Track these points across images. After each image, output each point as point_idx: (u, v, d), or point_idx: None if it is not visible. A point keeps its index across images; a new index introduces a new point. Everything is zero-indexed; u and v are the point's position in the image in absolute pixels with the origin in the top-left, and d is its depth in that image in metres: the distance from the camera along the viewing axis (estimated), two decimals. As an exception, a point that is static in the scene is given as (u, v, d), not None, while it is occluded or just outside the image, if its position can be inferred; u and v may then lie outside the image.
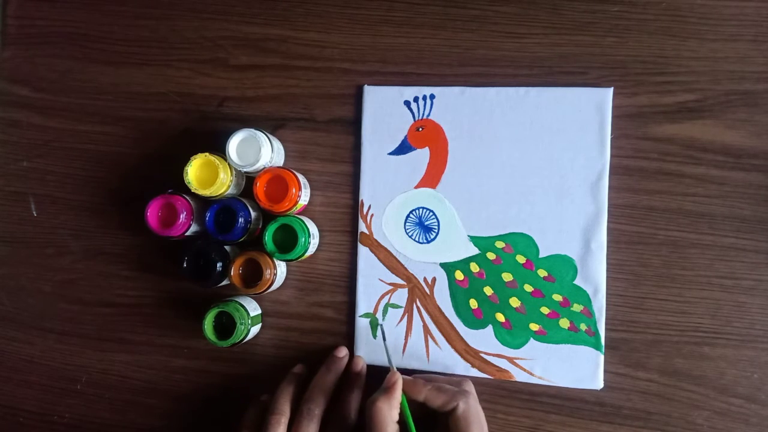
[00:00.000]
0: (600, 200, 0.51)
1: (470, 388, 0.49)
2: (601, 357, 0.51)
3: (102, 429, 0.58)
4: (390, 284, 0.54)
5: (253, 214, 0.52)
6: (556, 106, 0.52)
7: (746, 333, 0.50)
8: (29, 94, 0.59)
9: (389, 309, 0.53)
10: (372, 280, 0.54)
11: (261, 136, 0.50)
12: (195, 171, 0.50)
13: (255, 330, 0.54)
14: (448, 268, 0.53)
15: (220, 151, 0.51)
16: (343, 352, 0.53)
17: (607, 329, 0.51)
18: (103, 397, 0.58)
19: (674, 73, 0.51)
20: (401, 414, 0.46)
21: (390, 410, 0.44)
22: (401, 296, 0.53)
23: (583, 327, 0.51)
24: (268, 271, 0.51)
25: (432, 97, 0.53)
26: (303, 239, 0.50)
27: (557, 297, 0.51)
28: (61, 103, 0.59)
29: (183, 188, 0.51)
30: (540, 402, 0.52)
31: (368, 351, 0.53)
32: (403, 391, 0.46)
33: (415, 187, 0.54)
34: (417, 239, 0.53)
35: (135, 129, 0.58)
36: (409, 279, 0.53)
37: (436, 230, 0.53)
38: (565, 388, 0.51)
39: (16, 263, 0.59)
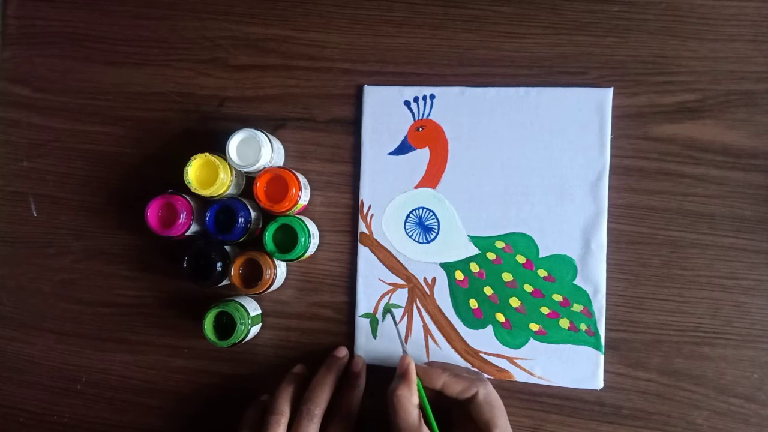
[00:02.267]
0: (600, 200, 0.51)
1: (484, 376, 0.50)
2: (601, 357, 0.51)
3: (102, 429, 0.58)
4: (390, 284, 0.54)
5: (253, 214, 0.52)
6: (556, 106, 0.52)
7: (746, 333, 0.50)
8: (29, 94, 0.59)
9: (389, 309, 0.53)
10: (372, 280, 0.54)
11: (261, 136, 0.50)
12: (195, 171, 0.50)
13: (255, 330, 0.54)
14: (448, 268, 0.53)
15: (220, 151, 0.51)
16: (342, 352, 0.53)
17: (607, 329, 0.51)
18: (103, 397, 0.58)
19: (674, 73, 0.51)
20: (419, 399, 0.46)
21: (410, 396, 0.45)
22: (401, 296, 0.53)
23: (583, 327, 0.51)
24: (268, 271, 0.51)
25: (432, 97, 0.53)
26: (303, 239, 0.50)
27: (557, 297, 0.51)
28: (61, 103, 0.59)
29: (183, 188, 0.51)
30: (540, 402, 0.52)
31: (368, 351, 0.53)
32: (419, 378, 0.46)
33: (415, 187, 0.54)
34: (417, 239, 0.53)
35: (135, 129, 0.58)
36: (409, 279, 0.53)
37: (436, 230, 0.53)
38: (565, 388, 0.51)
39: (16, 263, 0.59)
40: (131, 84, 0.58)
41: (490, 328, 0.52)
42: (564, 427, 0.52)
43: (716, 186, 0.51)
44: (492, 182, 0.52)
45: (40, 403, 0.58)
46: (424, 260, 0.53)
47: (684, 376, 0.50)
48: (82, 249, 0.58)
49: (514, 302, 0.52)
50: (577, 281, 0.51)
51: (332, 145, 0.55)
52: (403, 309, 0.53)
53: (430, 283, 0.53)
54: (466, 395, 0.46)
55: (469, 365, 0.52)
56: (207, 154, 0.50)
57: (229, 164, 0.51)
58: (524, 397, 0.52)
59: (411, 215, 0.54)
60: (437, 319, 0.53)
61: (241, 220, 0.50)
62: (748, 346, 0.50)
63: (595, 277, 0.51)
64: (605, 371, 0.51)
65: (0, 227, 0.60)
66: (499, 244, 0.52)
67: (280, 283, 0.55)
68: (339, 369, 0.51)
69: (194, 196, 0.52)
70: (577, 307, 0.51)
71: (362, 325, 0.54)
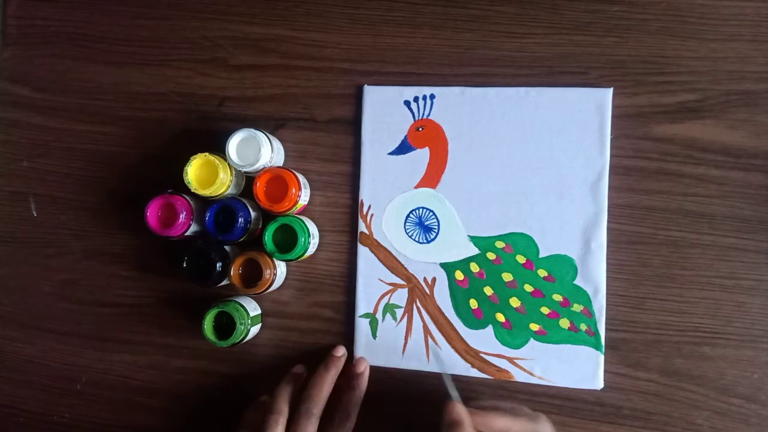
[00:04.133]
0: (600, 200, 0.51)
1: (540, 414, 0.45)
2: (601, 357, 0.51)
3: (102, 429, 0.58)
4: (390, 284, 0.54)
5: (252, 214, 0.52)
6: (556, 106, 0.52)
7: (746, 333, 0.50)
8: (29, 94, 0.59)
9: (389, 309, 0.53)
10: (372, 280, 0.54)
11: (261, 136, 0.50)
12: (195, 171, 0.50)
13: (255, 330, 0.54)
14: (448, 268, 0.53)
15: (220, 151, 0.51)
16: (341, 351, 0.53)
17: (607, 329, 0.51)
18: (103, 397, 0.58)
19: (674, 73, 0.51)
20: None
21: None
22: (401, 296, 0.53)
23: (583, 327, 0.51)
24: (268, 271, 0.51)
25: (432, 97, 0.53)
26: (303, 239, 0.50)
27: (557, 297, 0.51)
28: (61, 103, 0.59)
29: (183, 188, 0.51)
30: (540, 402, 0.52)
31: (368, 351, 0.53)
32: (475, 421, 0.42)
33: (415, 187, 0.54)
34: (417, 239, 0.53)
35: (135, 129, 0.58)
36: (409, 279, 0.53)
37: (436, 230, 0.53)
38: (565, 388, 0.51)
39: (16, 263, 0.59)
40: (131, 84, 0.58)
41: (490, 328, 0.52)
42: (564, 427, 0.51)
43: (716, 186, 0.50)
44: (492, 182, 0.52)
45: (40, 403, 0.58)
46: (424, 260, 0.53)
47: (684, 376, 0.50)
48: (82, 249, 0.58)
49: (514, 302, 0.52)
50: (577, 281, 0.51)
51: (332, 145, 0.55)
52: (403, 309, 0.53)
53: (430, 283, 0.53)
54: None
55: (468, 365, 0.52)
56: (207, 154, 0.50)
57: (228, 164, 0.51)
58: (524, 397, 0.52)
59: (411, 215, 0.54)
60: (437, 319, 0.53)
61: (240, 220, 0.50)
62: (748, 346, 0.50)
63: (595, 277, 0.51)
64: (605, 371, 0.51)
65: (0, 227, 0.60)
66: (499, 244, 0.52)
67: (280, 283, 0.55)
68: (338, 368, 0.51)
69: (194, 196, 0.52)
70: (577, 307, 0.51)
71: (362, 325, 0.54)
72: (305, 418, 0.47)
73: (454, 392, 0.44)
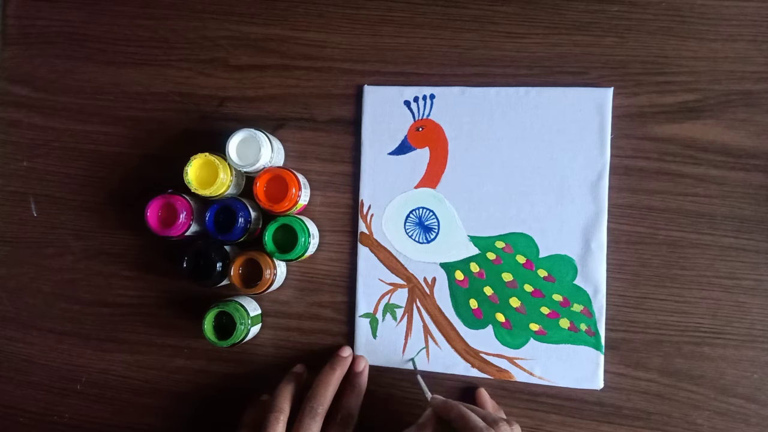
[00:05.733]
0: (600, 200, 0.51)
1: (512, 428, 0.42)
2: (601, 357, 0.51)
3: (102, 429, 0.58)
4: (390, 284, 0.54)
5: (253, 214, 0.52)
6: (556, 106, 0.52)
7: (746, 333, 0.50)
8: (29, 94, 0.59)
9: (389, 309, 0.53)
10: (372, 280, 0.54)
11: (261, 136, 0.50)
12: (195, 171, 0.50)
13: (255, 330, 0.54)
14: (448, 268, 0.53)
15: (220, 151, 0.51)
16: (347, 351, 0.53)
17: (607, 329, 0.51)
18: (103, 397, 0.58)
19: (674, 73, 0.51)
20: None
21: None
22: (401, 296, 0.53)
23: (583, 327, 0.51)
24: (268, 271, 0.51)
25: (432, 97, 0.53)
26: (303, 239, 0.50)
27: (557, 297, 0.51)
28: (61, 103, 0.59)
29: (183, 188, 0.51)
30: (540, 402, 0.52)
31: (368, 351, 0.53)
32: (438, 412, 0.44)
33: (415, 187, 0.54)
34: (417, 239, 0.53)
35: (135, 129, 0.58)
36: (409, 279, 0.53)
37: (436, 230, 0.53)
38: (565, 388, 0.51)
39: (16, 263, 0.59)
40: (131, 84, 0.58)
41: (490, 328, 0.52)
42: (564, 427, 0.51)
43: (716, 186, 0.50)
44: (492, 182, 0.52)
45: (40, 403, 0.58)
46: (424, 260, 0.53)
47: (684, 376, 0.50)
48: (82, 249, 0.58)
49: (514, 302, 0.52)
50: (577, 281, 0.51)
51: (332, 145, 0.55)
52: (403, 309, 0.53)
53: (430, 283, 0.53)
54: None
55: (468, 365, 0.52)
56: (207, 154, 0.50)
57: (229, 164, 0.51)
58: (524, 397, 0.52)
59: (411, 215, 0.54)
60: (437, 319, 0.53)
61: (241, 220, 0.50)
62: (748, 346, 0.50)
63: (595, 277, 0.51)
64: (605, 371, 0.51)
65: (0, 227, 0.60)
66: (499, 244, 0.52)
67: (280, 283, 0.55)
68: (343, 368, 0.51)
69: (194, 196, 0.52)
70: (577, 307, 0.51)
71: (362, 325, 0.54)
72: (309, 417, 0.47)
73: (427, 393, 0.48)
